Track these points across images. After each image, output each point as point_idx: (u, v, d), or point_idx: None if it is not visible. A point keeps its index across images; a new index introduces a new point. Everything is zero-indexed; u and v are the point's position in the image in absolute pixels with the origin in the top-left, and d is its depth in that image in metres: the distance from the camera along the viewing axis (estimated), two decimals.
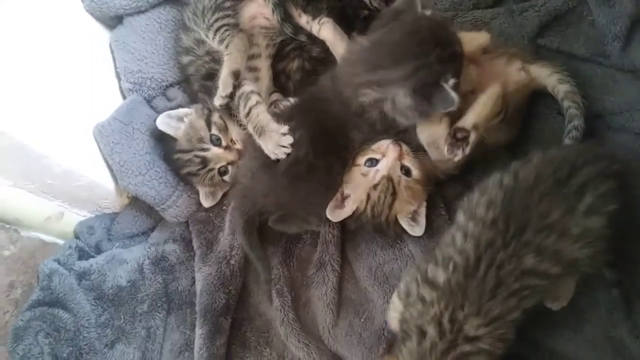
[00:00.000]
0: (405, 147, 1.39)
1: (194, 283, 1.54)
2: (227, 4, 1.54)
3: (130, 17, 1.72)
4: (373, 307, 1.44)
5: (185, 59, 1.62)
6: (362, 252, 1.49)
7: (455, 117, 1.33)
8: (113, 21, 1.76)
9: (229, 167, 1.58)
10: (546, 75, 1.46)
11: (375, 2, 1.61)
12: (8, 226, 1.45)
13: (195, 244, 1.56)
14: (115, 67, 1.72)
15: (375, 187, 1.37)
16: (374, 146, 1.40)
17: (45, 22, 1.46)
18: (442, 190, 1.50)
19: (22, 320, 1.40)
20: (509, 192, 1.10)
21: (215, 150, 1.56)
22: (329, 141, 1.37)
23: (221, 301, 1.46)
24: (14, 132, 1.27)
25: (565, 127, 1.42)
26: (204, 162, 1.55)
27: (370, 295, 1.45)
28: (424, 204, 1.41)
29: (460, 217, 1.16)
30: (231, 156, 1.57)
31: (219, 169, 1.57)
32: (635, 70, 1.47)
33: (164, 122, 1.55)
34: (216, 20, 1.52)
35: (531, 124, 1.53)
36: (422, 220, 1.40)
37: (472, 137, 1.30)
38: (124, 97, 1.73)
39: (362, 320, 1.44)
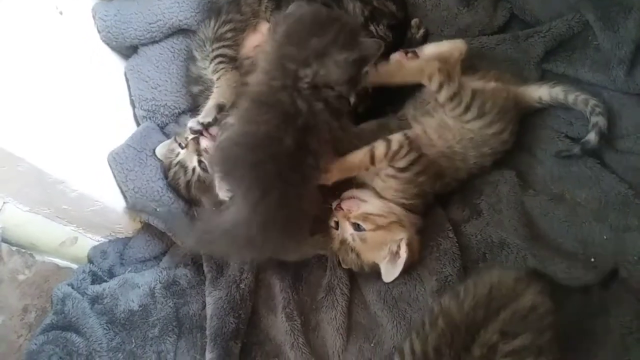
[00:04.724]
0: (348, 204, 1.40)
1: (204, 307, 1.53)
2: (229, 35, 1.58)
3: (145, 47, 1.76)
4: (382, 331, 1.43)
5: (196, 89, 1.66)
6: (370, 275, 1.48)
7: None
8: (128, 51, 1.80)
9: (203, 159, 1.56)
10: (535, 90, 1.50)
11: (381, 31, 1.63)
12: (24, 251, 1.47)
13: (205, 268, 1.57)
14: (130, 95, 1.76)
15: (338, 249, 1.44)
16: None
17: (62, 52, 1.51)
18: (449, 214, 1.51)
19: (35, 344, 1.41)
20: None
21: (182, 152, 1.58)
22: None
23: (231, 325, 1.46)
24: (32, 158, 1.30)
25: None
26: (183, 165, 1.57)
27: (380, 319, 1.44)
28: (403, 241, 1.36)
29: None
30: (192, 147, 1.55)
31: (199, 165, 1.56)
32: None
33: (161, 153, 1.64)
34: (213, 50, 1.57)
35: (537, 146, 1.54)
36: (400, 261, 1.36)
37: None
38: (138, 124, 1.77)
39: (372, 345, 1.43)
